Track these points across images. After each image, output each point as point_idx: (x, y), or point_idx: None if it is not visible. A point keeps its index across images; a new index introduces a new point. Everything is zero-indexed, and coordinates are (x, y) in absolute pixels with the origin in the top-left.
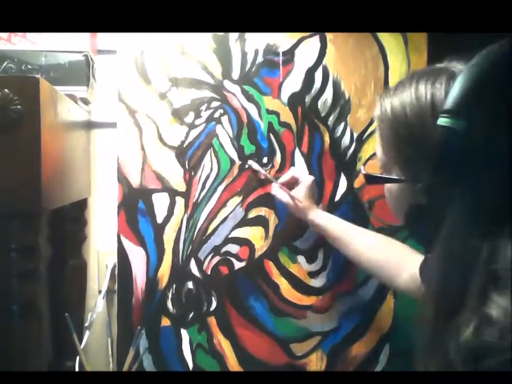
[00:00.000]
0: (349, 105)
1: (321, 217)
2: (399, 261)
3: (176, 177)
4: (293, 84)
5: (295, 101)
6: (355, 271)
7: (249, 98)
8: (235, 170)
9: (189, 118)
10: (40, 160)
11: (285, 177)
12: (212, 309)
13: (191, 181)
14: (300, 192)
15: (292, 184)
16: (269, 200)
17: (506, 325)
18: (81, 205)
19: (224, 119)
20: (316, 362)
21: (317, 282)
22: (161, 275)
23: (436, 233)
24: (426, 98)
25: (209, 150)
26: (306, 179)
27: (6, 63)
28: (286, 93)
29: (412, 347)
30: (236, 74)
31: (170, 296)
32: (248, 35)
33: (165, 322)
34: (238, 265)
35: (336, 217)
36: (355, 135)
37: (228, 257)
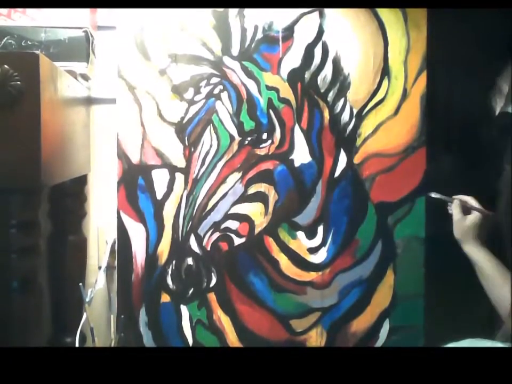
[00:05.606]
0: (349, 81)
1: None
2: None
3: (175, 153)
4: (292, 60)
5: (294, 77)
6: (355, 247)
7: (249, 74)
8: (234, 146)
9: (189, 94)
10: (40, 136)
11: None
12: (211, 285)
13: (191, 157)
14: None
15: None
16: (268, 176)
17: None
18: (81, 181)
19: (224, 95)
20: (315, 338)
21: (316, 258)
22: (161, 251)
23: None
24: None
25: (209, 126)
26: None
27: (6, 39)
28: (285, 69)
29: (411, 322)
30: (235, 50)
31: (170, 272)
32: (247, 11)
33: (165, 298)
34: (237, 241)
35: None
36: (355, 111)
37: (228, 233)
